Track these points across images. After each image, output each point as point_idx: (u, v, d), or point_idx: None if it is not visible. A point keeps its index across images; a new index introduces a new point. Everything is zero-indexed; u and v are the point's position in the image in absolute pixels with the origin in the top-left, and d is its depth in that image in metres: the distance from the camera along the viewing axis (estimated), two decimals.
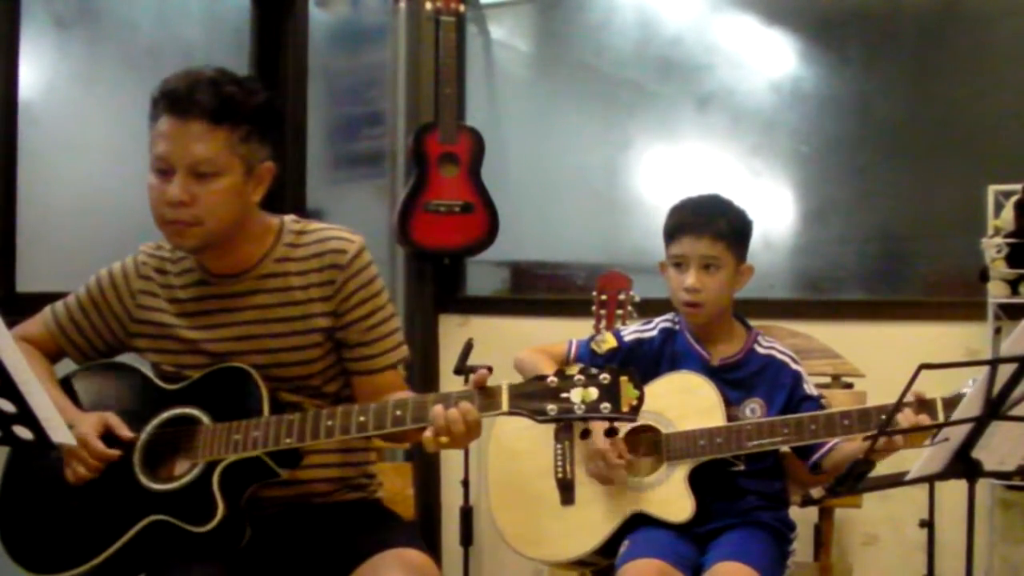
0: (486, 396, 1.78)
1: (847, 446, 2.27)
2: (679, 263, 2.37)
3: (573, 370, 1.77)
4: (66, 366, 2.13)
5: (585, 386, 1.73)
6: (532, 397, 1.75)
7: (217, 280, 2.01)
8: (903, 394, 1.78)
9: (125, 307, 2.05)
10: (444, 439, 1.78)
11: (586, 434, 1.84)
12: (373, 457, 2.12)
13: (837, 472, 1.98)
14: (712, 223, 2.36)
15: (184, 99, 1.85)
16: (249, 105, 1.90)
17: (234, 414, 1.89)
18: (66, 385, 2.06)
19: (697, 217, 2.38)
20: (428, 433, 1.79)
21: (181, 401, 1.96)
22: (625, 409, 1.72)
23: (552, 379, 1.75)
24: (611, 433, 1.81)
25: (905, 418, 2.05)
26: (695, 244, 2.35)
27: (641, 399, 1.73)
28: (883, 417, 2.14)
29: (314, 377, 2.01)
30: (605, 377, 1.73)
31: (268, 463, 1.88)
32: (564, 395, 1.74)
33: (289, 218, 2.07)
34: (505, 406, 1.77)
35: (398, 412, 1.83)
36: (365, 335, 2.01)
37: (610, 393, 1.72)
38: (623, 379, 1.73)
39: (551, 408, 1.74)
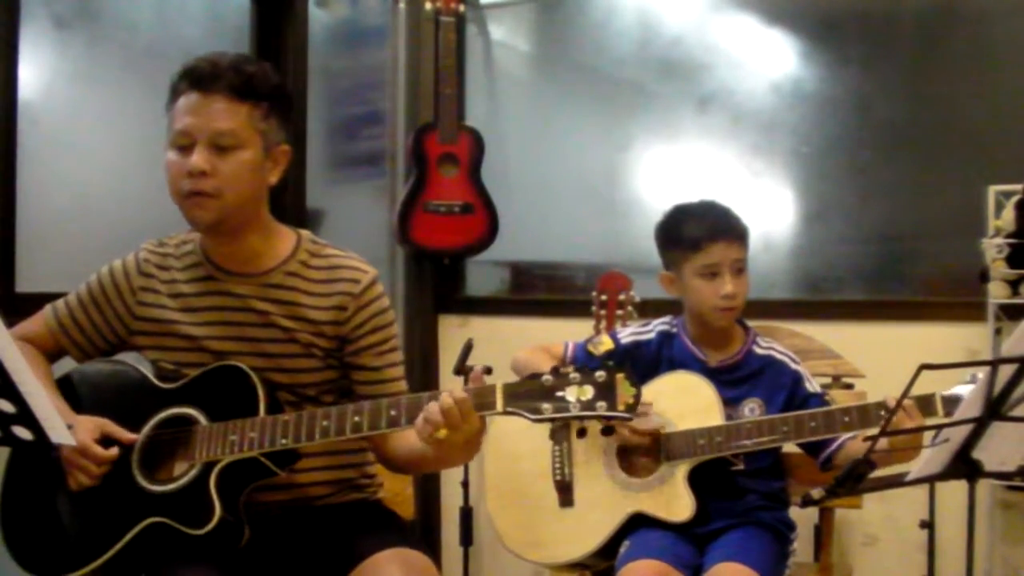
0: (480, 396, 1.75)
1: (858, 444, 2.27)
2: (713, 272, 2.34)
3: (569, 368, 1.73)
4: (65, 364, 2.12)
5: (581, 384, 1.70)
6: (527, 396, 1.72)
7: (223, 276, 2.01)
8: (904, 394, 1.78)
9: (126, 304, 2.05)
10: (443, 432, 1.75)
11: (583, 433, 1.82)
12: (371, 457, 2.11)
13: None
14: (738, 227, 2.39)
15: (208, 76, 1.90)
16: (269, 85, 1.96)
17: (231, 413, 1.88)
18: (64, 384, 2.05)
19: (725, 223, 2.38)
20: (420, 421, 1.76)
21: (178, 400, 1.96)
22: (621, 407, 1.69)
23: (547, 377, 1.72)
24: (608, 432, 1.79)
25: (908, 413, 2.05)
26: (728, 250, 2.35)
27: (638, 397, 1.70)
28: (883, 413, 2.15)
29: (310, 387, 2.01)
30: (601, 375, 1.70)
31: (265, 463, 1.88)
32: (559, 394, 1.70)
33: (306, 234, 2.08)
34: (500, 406, 1.74)
35: (393, 412, 1.82)
36: (376, 360, 2.02)
37: (606, 391, 1.69)
38: (619, 376, 1.70)
39: (546, 407, 1.71)
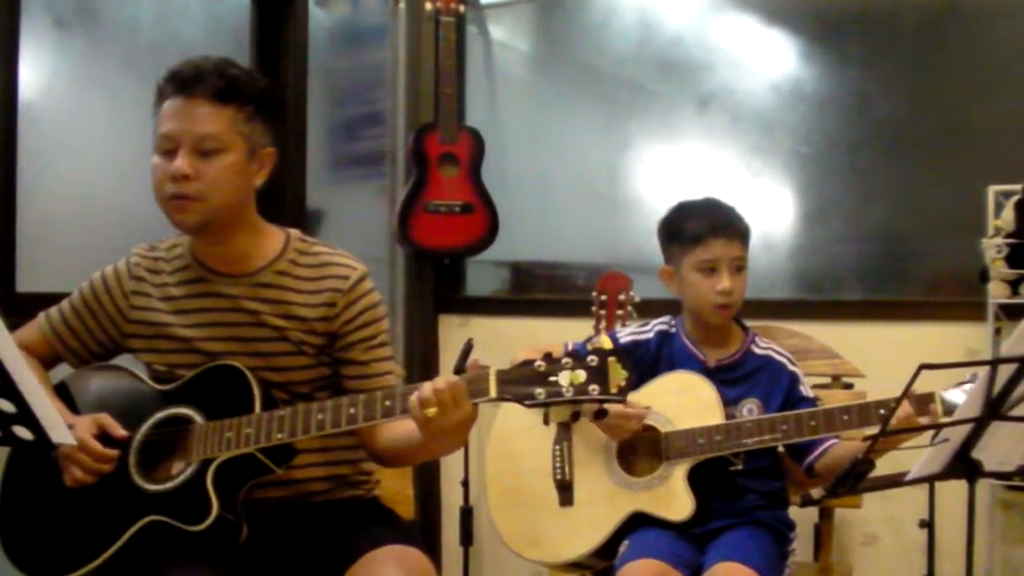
0: (474, 383, 1.77)
1: (839, 449, 2.28)
2: (711, 267, 2.35)
3: (561, 354, 1.74)
4: (62, 372, 2.13)
5: (573, 369, 1.71)
6: (520, 382, 1.73)
7: (213, 277, 2.02)
8: (903, 394, 1.78)
9: (118, 308, 2.06)
10: (432, 409, 1.76)
11: (576, 417, 1.83)
12: (364, 454, 2.11)
13: (830, 475, 1.98)
14: (739, 225, 2.39)
15: (191, 80, 1.91)
16: (254, 87, 1.96)
17: (227, 412, 1.89)
18: (60, 390, 2.06)
19: (727, 220, 2.39)
20: (413, 398, 1.77)
21: (174, 401, 1.96)
22: (614, 390, 1.70)
23: (540, 363, 1.73)
24: (600, 415, 1.80)
25: (904, 412, 2.05)
26: (728, 247, 2.35)
27: (630, 379, 1.71)
28: (882, 412, 2.15)
29: (303, 385, 2.02)
30: (592, 359, 1.71)
31: (261, 459, 1.88)
32: (552, 379, 1.71)
33: (295, 233, 2.08)
34: (493, 392, 1.75)
35: (387, 403, 1.83)
36: (363, 354, 2.02)
37: (598, 375, 1.70)
38: (611, 360, 1.71)
39: (539, 392, 1.72)
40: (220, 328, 2.00)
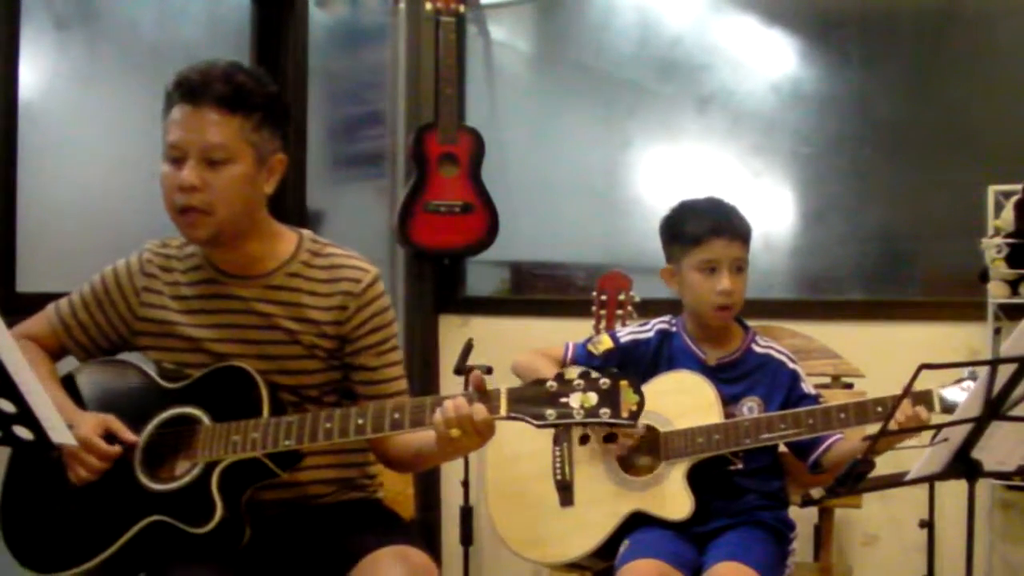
0: (485, 401, 1.77)
1: (845, 444, 2.28)
2: (712, 267, 2.35)
3: (572, 374, 1.74)
4: (68, 364, 2.12)
5: (585, 391, 1.71)
6: (531, 402, 1.74)
7: (225, 279, 2.01)
8: (902, 394, 1.78)
9: (129, 304, 2.05)
10: (455, 430, 1.77)
11: (585, 439, 1.83)
12: (372, 457, 2.12)
13: (838, 469, 1.98)
14: (741, 226, 2.39)
15: (198, 87, 1.88)
16: (262, 94, 1.93)
17: (234, 414, 1.89)
18: (68, 382, 2.05)
19: (729, 220, 2.38)
20: (438, 417, 1.78)
21: (182, 400, 1.96)
22: (625, 415, 1.70)
23: (551, 383, 1.73)
24: (610, 439, 1.80)
25: (903, 412, 2.05)
26: (729, 247, 2.35)
27: (641, 404, 1.71)
28: (879, 409, 2.15)
29: (312, 388, 2.01)
30: (604, 382, 1.71)
31: (267, 464, 1.88)
32: (563, 400, 1.71)
33: (308, 234, 2.07)
34: (504, 411, 1.76)
35: (396, 415, 1.83)
36: (375, 359, 2.02)
37: (610, 398, 1.70)
38: (623, 384, 1.71)
39: (550, 413, 1.72)
40: (231, 330, 1.99)
